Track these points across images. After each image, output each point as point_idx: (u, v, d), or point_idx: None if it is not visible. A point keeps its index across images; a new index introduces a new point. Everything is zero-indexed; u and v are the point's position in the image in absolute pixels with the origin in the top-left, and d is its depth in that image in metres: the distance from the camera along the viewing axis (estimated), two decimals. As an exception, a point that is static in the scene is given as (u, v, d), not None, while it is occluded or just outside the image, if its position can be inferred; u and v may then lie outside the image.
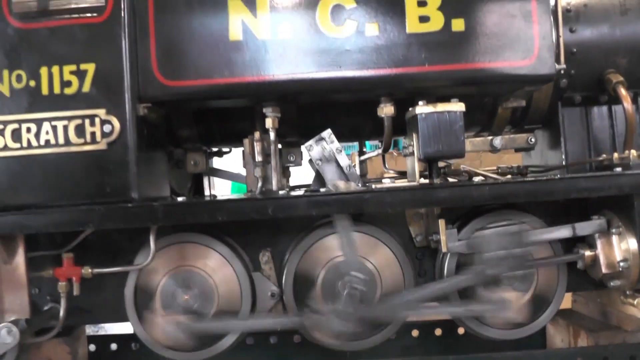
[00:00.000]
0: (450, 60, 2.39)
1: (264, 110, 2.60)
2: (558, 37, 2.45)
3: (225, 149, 3.42)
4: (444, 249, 2.54)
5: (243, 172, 3.24)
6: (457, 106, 2.34)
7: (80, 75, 2.38)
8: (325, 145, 2.64)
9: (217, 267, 2.71)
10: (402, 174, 3.04)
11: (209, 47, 2.43)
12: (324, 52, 2.43)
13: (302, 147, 2.65)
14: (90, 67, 2.38)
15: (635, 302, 2.50)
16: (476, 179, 2.51)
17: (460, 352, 3.33)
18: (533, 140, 2.96)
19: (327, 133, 2.64)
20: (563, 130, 2.83)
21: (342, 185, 2.51)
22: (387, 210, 2.56)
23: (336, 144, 2.63)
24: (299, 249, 2.72)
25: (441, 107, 2.34)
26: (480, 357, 2.84)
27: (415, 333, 3.37)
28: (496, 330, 2.70)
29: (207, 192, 3.40)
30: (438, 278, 2.75)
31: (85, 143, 2.37)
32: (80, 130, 2.37)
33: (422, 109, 2.35)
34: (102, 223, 2.37)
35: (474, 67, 2.39)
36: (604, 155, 2.64)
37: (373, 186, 2.41)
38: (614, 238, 2.47)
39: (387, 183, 2.49)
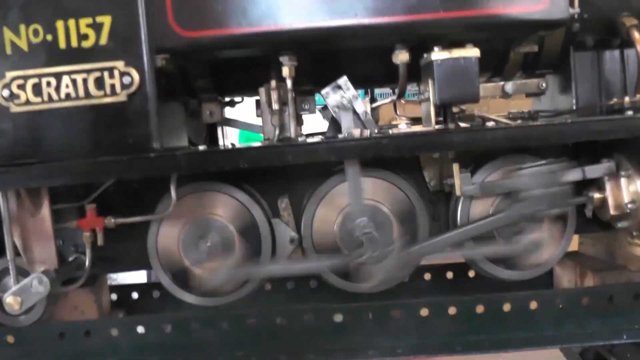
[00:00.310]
0: (465, 6, 2.39)
1: (281, 58, 2.63)
2: (570, -22, 2.44)
3: (237, 99, 3.45)
4: (457, 193, 2.61)
5: (255, 121, 3.32)
6: (472, 52, 2.36)
7: (97, 28, 2.38)
8: (341, 92, 2.67)
9: (237, 214, 2.79)
10: (415, 120, 3.10)
11: (225, -2, 2.43)
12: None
13: (320, 94, 2.68)
14: (106, 20, 2.38)
15: (641, 243, 2.59)
16: (489, 124, 2.55)
17: (471, 294, 3.46)
18: (544, 85, 2.99)
19: (344, 80, 2.67)
20: (574, 74, 2.85)
21: (357, 132, 2.55)
22: (404, 155, 2.61)
23: (352, 91, 2.66)
24: (316, 195, 2.79)
25: (456, 52, 2.37)
26: (489, 297, 2.93)
27: (427, 276, 3.48)
28: (509, 271, 2.79)
29: (221, 142, 3.46)
30: (452, 222, 2.83)
31: (105, 95, 2.40)
32: (99, 83, 2.40)
33: (437, 55, 2.38)
34: (126, 173, 2.45)
35: (488, 12, 2.39)
36: (615, 99, 2.68)
37: (390, 132, 2.46)
38: (623, 180, 2.53)
39: (403, 129, 2.53)
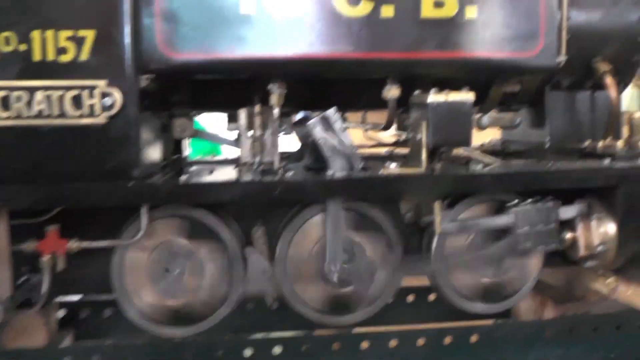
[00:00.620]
0: (462, 47, 2.41)
1: (270, 86, 2.53)
2: (561, 29, 2.51)
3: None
4: (438, 231, 2.63)
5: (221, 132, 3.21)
6: (468, 96, 2.38)
7: (78, 41, 2.21)
8: (329, 124, 2.61)
9: (209, 240, 2.68)
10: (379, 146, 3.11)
11: (217, 19, 2.31)
12: (338, 31, 2.38)
13: (308, 124, 2.60)
14: (89, 34, 2.21)
15: (606, 282, 2.71)
16: (478, 167, 2.57)
17: (430, 319, 3.52)
18: (518, 120, 3.06)
19: (332, 112, 2.61)
20: (549, 112, 2.94)
21: (346, 170, 2.51)
22: (398, 196, 2.60)
23: (340, 124, 2.61)
24: (293, 225, 2.72)
25: (453, 96, 2.37)
26: (458, 328, 2.99)
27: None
28: (482, 305, 2.85)
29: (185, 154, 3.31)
30: (425, 256, 2.86)
31: (83, 116, 2.23)
32: (77, 102, 2.22)
33: (434, 97, 2.38)
34: (100, 201, 2.28)
35: (483, 56, 2.43)
36: (588, 142, 2.79)
37: (382, 172, 2.44)
38: (594, 222, 2.64)
39: (392, 167, 2.51)
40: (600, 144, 2.68)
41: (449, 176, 2.39)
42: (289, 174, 2.45)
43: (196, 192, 2.33)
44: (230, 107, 2.90)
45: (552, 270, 3.37)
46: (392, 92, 2.56)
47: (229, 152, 3.97)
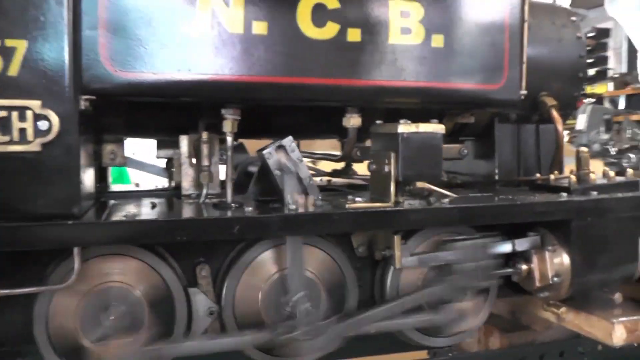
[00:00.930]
0: (428, 77, 2.34)
1: (223, 111, 2.31)
2: (521, 62, 2.52)
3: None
4: (397, 265, 2.52)
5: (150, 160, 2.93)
6: (439, 127, 2.30)
7: (6, 53, 1.86)
8: (285, 154, 2.43)
9: (148, 282, 2.38)
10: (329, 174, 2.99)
11: (171, 36, 2.06)
12: (301, 54, 2.22)
13: (263, 153, 2.40)
14: (19, 45, 1.87)
15: (559, 311, 2.74)
16: (445, 200, 2.49)
17: (375, 350, 3.41)
18: (465, 152, 3.04)
19: (288, 141, 2.43)
20: (497, 145, 2.96)
21: (301, 200, 2.34)
22: (364, 231, 2.45)
23: (297, 154, 2.43)
24: (240, 262, 2.50)
25: (424, 127, 2.28)
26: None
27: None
28: (435, 339, 2.78)
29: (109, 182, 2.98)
30: (378, 289, 2.74)
31: (12, 142, 1.88)
32: (4, 126, 1.87)
33: (404, 127, 2.27)
34: (32, 244, 1.93)
35: (449, 86, 2.37)
36: (538, 175, 2.82)
37: (347, 206, 2.28)
38: (548, 254, 2.66)
39: (356, 201, 2.37)
40: (552, 177, 2.71)
41: (420, 210, 2.28)
42: (248, 209, 2.23)
43: (147, 230, 2.04)
44: (167, 132, 2.64)
45: (497, 301, 3.39)
46: (352, 120, 2.43)
47: (142, 181, 3.64)
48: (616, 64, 11.50)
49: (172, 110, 2.56)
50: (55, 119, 1.91)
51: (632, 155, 8.89)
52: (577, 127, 9.47)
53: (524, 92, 2.53)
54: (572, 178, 2.63)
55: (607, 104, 10.54)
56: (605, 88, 10.71)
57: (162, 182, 3.25)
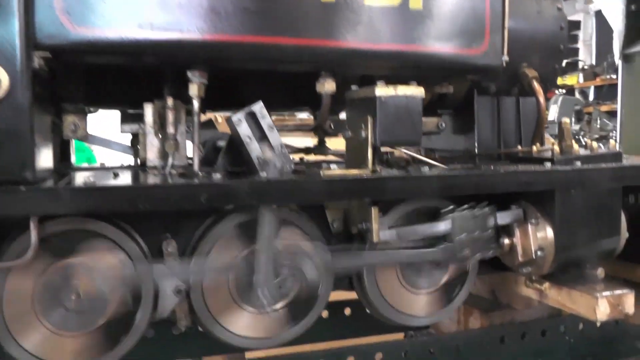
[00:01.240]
0: (406, 40, 2.22)
1: (189, 74, 2.16)
2: (503, 27, 2.42)
3: (91, 109, 2.83)
4: (375, 239, 2.40)
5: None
6: (418, 91, 2.19)
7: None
8: (255, 120, 2.29)
9: (111, 259, 2.22)
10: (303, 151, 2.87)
11: (134, -12, 1.91)
12: (270, 13, 2.07)
13: (232, 119, 2.26)
14: (-41, -10, 1.70)
15: (542, 287, 2.66)
16: (424, 169, 2.38)
17: (348, 334, 3.31)
18: (443, 125, 2.96)
19: (259, 107, 2.29)
20: (477, 118, 2.87)
21: (273, 170, 2.20)
22: (342, 200, 2.33)
23: (268, 120, 2.30)
24: (210, 237, 2.36)
25: (402, 90, 2.17)
26: (388, 343, 2.81)
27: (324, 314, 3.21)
28: (412, 317, 2.67)
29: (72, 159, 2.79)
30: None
31: (-45, 101, 1.72)
32: (-54, 83, 1.70)
33: (381, 90, 2.15)
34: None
35: (429, 50, 2.26)
36: (520, 148, 2.74)
37: (322, 173, 2.16)
38: (531, 228, 2.58)
39: (331, 168, 2.24)
40: (535, 148, 2.63)
41: (403, 178, 2.16)
42: (216, 176, 2.09)
43: (107, 197, 1.88)
44: (131, 103, 2.49)
45: (477, 280, 3.30)
46: (326, 86, 2.31)
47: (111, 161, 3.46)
48: (586, 56, 11.64)
49: (136, 77, 2.40)
50: (4, 76, 1.74)
51: (601, 146, 9.01)
52: (548, 118, 9.54)
53: (505, 58, 2.43)
54: (555, 149, 2.55)
55: (577, 95, 10.65)
56: (576, 79, 10.83)
57: (129, 161, 3.09)
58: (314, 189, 2.08)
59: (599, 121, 9.53)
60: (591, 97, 10.82)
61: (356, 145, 2.26)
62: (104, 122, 3.17)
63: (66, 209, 1.84)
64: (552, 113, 9.51)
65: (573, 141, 2.63)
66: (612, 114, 9.31)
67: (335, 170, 2.17)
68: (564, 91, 10.37)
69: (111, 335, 2.25)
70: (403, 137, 2.19)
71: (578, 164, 2.50)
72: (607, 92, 10.26)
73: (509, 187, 2.35)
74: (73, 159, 2.98)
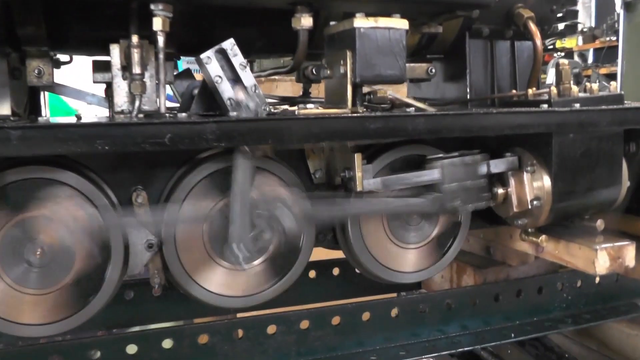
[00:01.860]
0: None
1: (152, 6, 1.97)
2: (495, -42, 2.22)
3: (64, 59, 2.64)
4: (358, 188, 2.24)
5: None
6: (401, 22, 1.99)
7: None
8: (227, 58, 2.10)
9: (77, 210, 2.06)
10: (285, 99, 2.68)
11: None
12: None
13: (200, 57, 2.07)
14: None
15: (539, 240, 2.51)
16: (409, 109, 2.21)
17: (337, 295, 3.19)
18: (433, 71, 2.77)
19: (230, 44, 2.09)
20: (469, 62, 2.68)
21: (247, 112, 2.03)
22: (319, 142, 2.16)
23: (240, 58, 2.10)
24: (182, 186, 2.19)
25: (383, 22, 1.97)
26: (376, 302, 2.66)
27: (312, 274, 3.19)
28: (401, 274, 2.52)
29: (44, 112, 2.61)
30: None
31: None
32: None
33: (361, 22, 1.95)
34: None
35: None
36: (514, 92, 2.56)
37: (297, 112, 1.97)
38: (526, 176, 2.41)
39: (310, 108, 2.07)
40: (530, 92, 2.45)
41: (386, 118, 1.97)
42: (182, 115, 1.92)
43: (63, 137, 1.70)
44: (96, 46, 2.30)
45: (470, 236, 3.16)
46: (303, 21, 2.11)
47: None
48: (585, 18, 11.36)
49: (100, 15, 2.22)
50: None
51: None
52: (547, 81, 9.35)
53: (498, -7, 2.24)
54: (553, 91, 2.37)
55: (576, 58, 10.42)
56: (575, 42, 10.59)
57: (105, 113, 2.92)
58: (288, 129, 1.90)
59: (597, 83, 9.31)
60: (590, 60, 10.58)
61: (335, 83, 2.08)
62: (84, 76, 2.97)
63: (15, 150, 1.66)
64: (550, 77, 9.30)
65: (572, 83, 2.45)
66: (611, 77, 9.08)
67: (311, 110, 1.99)
68: (562, 54, 10.14)
69: (80, 294, 2.11)
70: (385, 72, 2.00)
71: (577, 106, 2.32)
72: (606, 55, 10.03)
73: (502, 129, 2.17)
74: (47, 113, 2.81)
